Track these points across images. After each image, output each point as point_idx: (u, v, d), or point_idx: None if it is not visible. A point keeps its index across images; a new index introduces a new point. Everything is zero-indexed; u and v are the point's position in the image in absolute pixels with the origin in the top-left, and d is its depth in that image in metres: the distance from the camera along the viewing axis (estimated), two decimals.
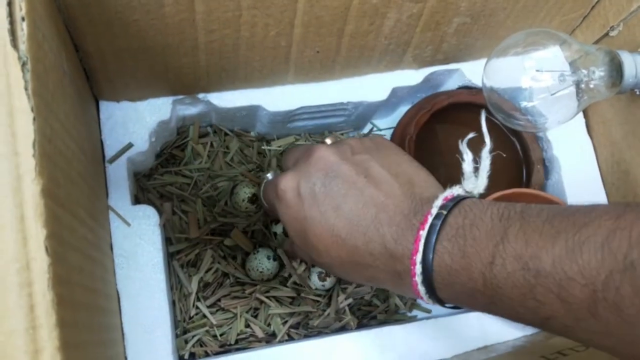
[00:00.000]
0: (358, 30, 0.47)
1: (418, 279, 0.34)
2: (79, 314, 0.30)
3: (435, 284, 0.34)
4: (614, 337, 0.28)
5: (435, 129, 0.58)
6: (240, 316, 0.52)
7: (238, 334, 0.52)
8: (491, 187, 0.38)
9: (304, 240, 0.39)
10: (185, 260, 0.52)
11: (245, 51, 0.46)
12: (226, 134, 0.57)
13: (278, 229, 0.54)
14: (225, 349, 0.51)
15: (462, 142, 0.38)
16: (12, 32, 0.26)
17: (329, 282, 0.53)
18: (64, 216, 0.29)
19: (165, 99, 0.50)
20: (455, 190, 0.36)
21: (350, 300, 0.54)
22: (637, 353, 0.28)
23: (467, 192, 0.36)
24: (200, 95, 0.51)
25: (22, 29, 0.26)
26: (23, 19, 0.27)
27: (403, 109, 0.59)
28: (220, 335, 0.51)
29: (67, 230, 0.29)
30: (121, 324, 0.45)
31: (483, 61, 0.50)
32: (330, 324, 0.53)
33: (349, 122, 0.59)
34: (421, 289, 0.34)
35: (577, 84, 0.46)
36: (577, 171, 0.56)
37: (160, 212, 0.50)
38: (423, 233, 0.33)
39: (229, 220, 0.53)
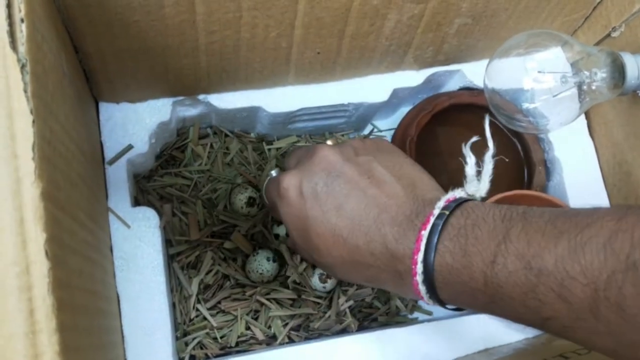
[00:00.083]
0: (359, 31, 0.47)
1: (419, 278, 0.34)
2: (79, 317, 0.30)
3: (436, 283, 0.34)
4: (614, 338, 0.28)
5: (436, 130, 0.58)
6: (241, 318, 0.52)
7: (238, 337, 0.51)
8: (492, 188, 0.38)
9: (305, 240, 0.39)
10: (186, 262, 0.52)
11: (245, 52, 0.46)
12: (226, 135, 0.57)
13: (280, 230, 0.54)
14: (226, 351, 0.51)
15: (465, 145, 0.38)
16: (11, 34, 0.26)
17: (330, 284, 0.53)
18: (63, 219, 0.29)
19: (165, 100, 0.50)
20: (458, 193, 0.36)
21: (351, 302, 0.54)
22: (637, 354, 0.28)
23: (469, 195, 0.37)
24: (201, 97, 0.51)
25: (21, 31, 0.26)
26: (22, 20, 0.26)
27: (404, 110, 0.59)
28: (221, 337, 0.51)
29: (67, 233, 0.29)
30: (121, 326, 0.45)
31: (484, 62, 0.50)
32: (331, 326, 0.53)
33: (349, 124, 0.59)
34: (422, 288, 0.34)
35: (579, 86, 0.46)
36: (578, 172, 0.56)
37: (160, 214, 0.50)
38: (425, 233, 0.33)
39: (230, 222, 0.53)
